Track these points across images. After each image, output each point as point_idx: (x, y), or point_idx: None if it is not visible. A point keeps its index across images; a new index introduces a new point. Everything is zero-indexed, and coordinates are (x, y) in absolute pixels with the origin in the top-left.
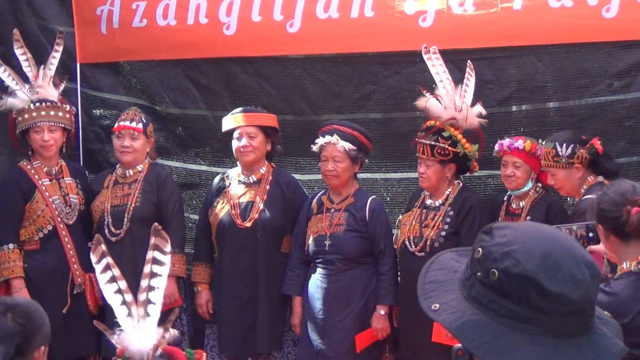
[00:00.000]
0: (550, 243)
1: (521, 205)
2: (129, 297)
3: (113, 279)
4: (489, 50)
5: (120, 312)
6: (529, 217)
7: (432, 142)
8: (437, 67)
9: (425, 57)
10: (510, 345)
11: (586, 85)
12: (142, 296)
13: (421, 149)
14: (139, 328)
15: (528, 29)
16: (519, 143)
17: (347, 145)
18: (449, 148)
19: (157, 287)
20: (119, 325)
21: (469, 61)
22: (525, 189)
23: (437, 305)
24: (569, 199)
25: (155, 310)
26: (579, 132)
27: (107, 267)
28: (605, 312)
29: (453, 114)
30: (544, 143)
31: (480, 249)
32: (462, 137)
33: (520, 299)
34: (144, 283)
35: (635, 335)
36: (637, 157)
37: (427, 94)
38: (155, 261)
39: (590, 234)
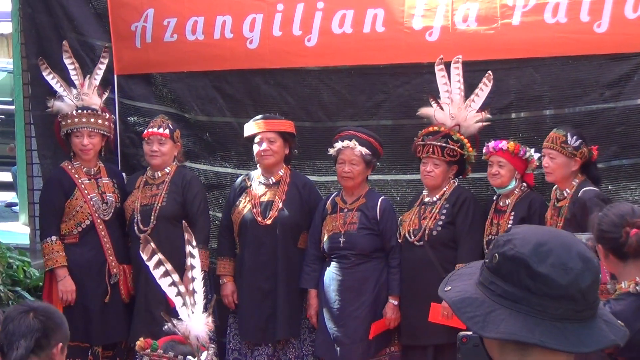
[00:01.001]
0: (549, 235)
1: (507, 203)
2: (182, 288)
3: (166, 273)
4: (491, 63)
5: (177, 302)
6: (513, 213)
7: (443, 144)
8: (451, 77)
9: (437, 67)
10: (497, 319)
11: (580, 95)
12: (189, 287)
13: (430, 149)
14: (193, 315)
15: (526, 43)
16: (503, 144)
17: (364, 150)
18: (458, 150)
19: (195, 278)
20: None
21: (489, 71)
22: (510, 186)
23: (449, 287)
24: (557, 193)
25: (200, 298)
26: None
27: (160, 263)
28: (619, 322)
29: (457, 121)
30: (555, 129)
31: (494, 241)
32: (467, 142)
33: (513, 279)
34: (188, 275)
35: (636, 350)
36: (627, 160)
37: (434, 103)
38: (190, 255)
39: None
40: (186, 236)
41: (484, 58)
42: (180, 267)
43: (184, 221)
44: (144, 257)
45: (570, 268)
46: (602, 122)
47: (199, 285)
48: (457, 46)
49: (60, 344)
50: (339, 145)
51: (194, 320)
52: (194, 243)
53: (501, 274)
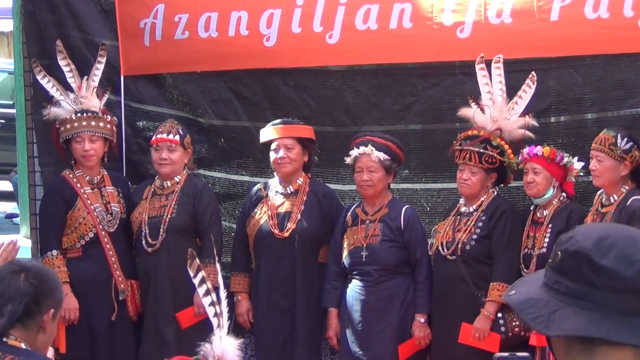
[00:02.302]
0: (613, 229)
1: (545, 214)
2: (219, 308)
3: (208, 292)
4: (528, 62)
5: (213, 322)
6: (550, 225)
7: (481, 150)
8: (492, 77)
9: (478, 67)
10: (562, 318)
11: (624, 97)
12: (217, 309)
13: (467, 155)
14: (225, 338)
15: (565, 40)
16: (538, 149)
17: (382, 156)
18: (497, 157)
19: (221, 300)
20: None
21: (532, 72)
22: (547, 196)
23: (514, 291)
24: (603, 199)
25: (226, 321)
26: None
27: (203, 281)
28: None
29: (499, 125)
30: (605, 130)
31: (558, 239)
32: (508, 148)
33: (576, 274)
34: (212, 297)
35: None
36: None
37: (473, 104)
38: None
39: None
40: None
41: (520, 56)
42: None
43: (190, 249)
44: (190, 273)
45: (635, 260)
46: None
47: (224, 308)
48: (491, 43)
49: (52, 310)
50: (354, 152)
51: (227, 342)
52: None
53: (564, 271)
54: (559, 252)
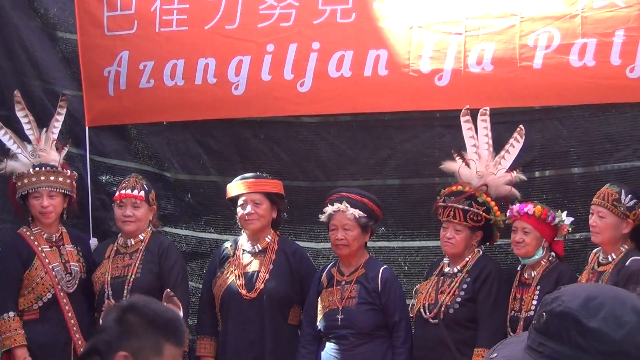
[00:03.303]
0: (600, 289)
1: (533, 275)
2: None
3: None
4: (510, 112)
5: None
6: (539, 287)
7: (466, 207)
8: (478, 130)
9: (463, 118)
10: None
11: (611, 151)
12: None
13: (452, 212)
14: None
15: (549, 89)
16: (529, 208)
17: (357, 213)
18: (483, 214)
19: None
20: None
21: (520, 126)
22: (536, 257)
23: (495, 354)
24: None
25: None
26: None
27: None
28: None
29: (485, 181)
30: (609, 185)
31: (542, 300)
32: (494, 205)
33: (562, 337)
34: None
35: None
36: None
37: (458, 158)
38: None
39: None
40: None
41: (502, 106)
42: None
43: (167, 290)
44: None
45: (624, 321)
46: (637, 182)
47: None
48: (471, 92)
49: None
50: (329, 209)
51: None
52: (181, 314)
53: (550, 333)
54: (544, 314)
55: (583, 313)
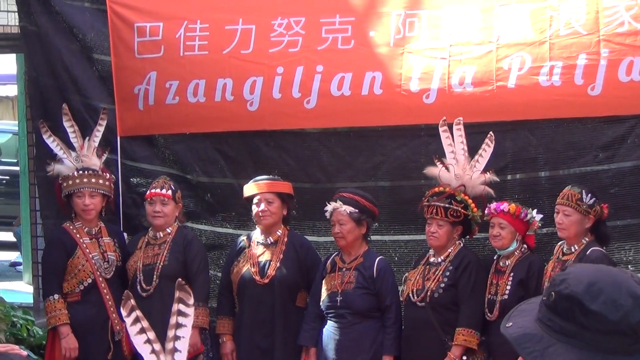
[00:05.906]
0: (600, 274)
1: (507, 264)
2: (157, 346)
3: (142, 330)
4: (487, 125)
5: (149, 359)
6: (512, 274)
7: (447, 205)
8: (454, 138)
9: (441, 129)
10: (555, 354)
11: (574, 157)
12: (169, 345)
13: (434, 210)
14: None
15: (521, 105)
16: (505, 206)
17: (349, 209)
18: (462, 210)
19: (182, 337)
20: None
21: (490, 132)
22: (511, 248)
23: (511, 324)
24: (564, 249)
25: (181, 358)
26: None
27: (137, 320)
28: None
29: (462, 182)
30: (570, 187)
31: (551, 279)
32: (471, 202)
33: (568, 316)
34: (170, 333)
35: None
36: (621, 222)
37: (439, 163)
38: (180, 313)
39: None
40: (177, 294)
41: (480, 120)
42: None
43: (179, 279)
44: (123, 313)
45: (620, 305)
46: (596, 184)
47: (183, 345)
48: (454, 108)
49: None
50: (329, 208)
51: None
52: (190, 302)
53: (557, 312)
54: (553, 293)
55: (586, 297)
